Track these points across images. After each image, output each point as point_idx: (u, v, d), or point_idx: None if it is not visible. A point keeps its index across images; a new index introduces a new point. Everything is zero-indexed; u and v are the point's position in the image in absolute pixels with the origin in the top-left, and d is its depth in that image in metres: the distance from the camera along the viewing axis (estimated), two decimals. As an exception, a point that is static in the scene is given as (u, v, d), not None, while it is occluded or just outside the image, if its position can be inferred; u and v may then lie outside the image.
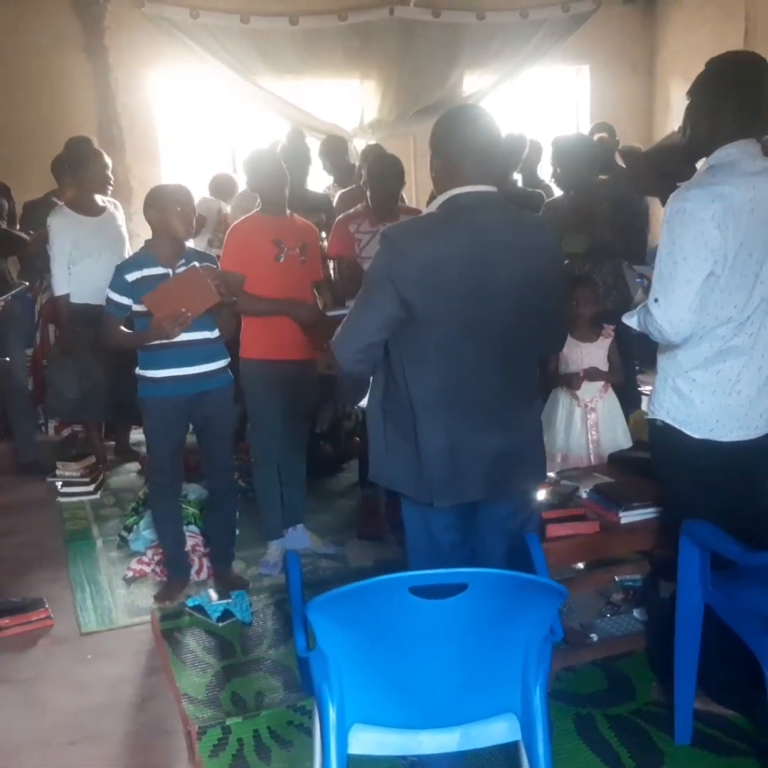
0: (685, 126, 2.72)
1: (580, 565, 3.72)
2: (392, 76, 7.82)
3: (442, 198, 2.51)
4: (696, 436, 2.68)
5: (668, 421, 2.73)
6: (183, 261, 3.64)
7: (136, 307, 3.61)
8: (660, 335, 2.61)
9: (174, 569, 3.99)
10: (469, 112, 2.60)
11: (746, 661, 2.53)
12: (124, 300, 3.61)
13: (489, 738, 2.21)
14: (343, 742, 2.12)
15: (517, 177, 5.48)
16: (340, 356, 2.59)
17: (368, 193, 4.38)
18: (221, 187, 6.96)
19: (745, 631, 2.54)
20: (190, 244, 3.93)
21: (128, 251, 5.17)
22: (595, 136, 5.99)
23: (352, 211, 4.56)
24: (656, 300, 2.58)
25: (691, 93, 2.68)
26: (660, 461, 2.89)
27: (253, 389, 4.06)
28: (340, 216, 4.51)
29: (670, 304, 2.55)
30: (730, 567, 2.65)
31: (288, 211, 4.02)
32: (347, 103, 8.00)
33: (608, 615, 3.32)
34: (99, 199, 5.22)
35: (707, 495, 2.71)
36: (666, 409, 2.74)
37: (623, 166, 5.39)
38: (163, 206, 3.58)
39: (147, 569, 4.16)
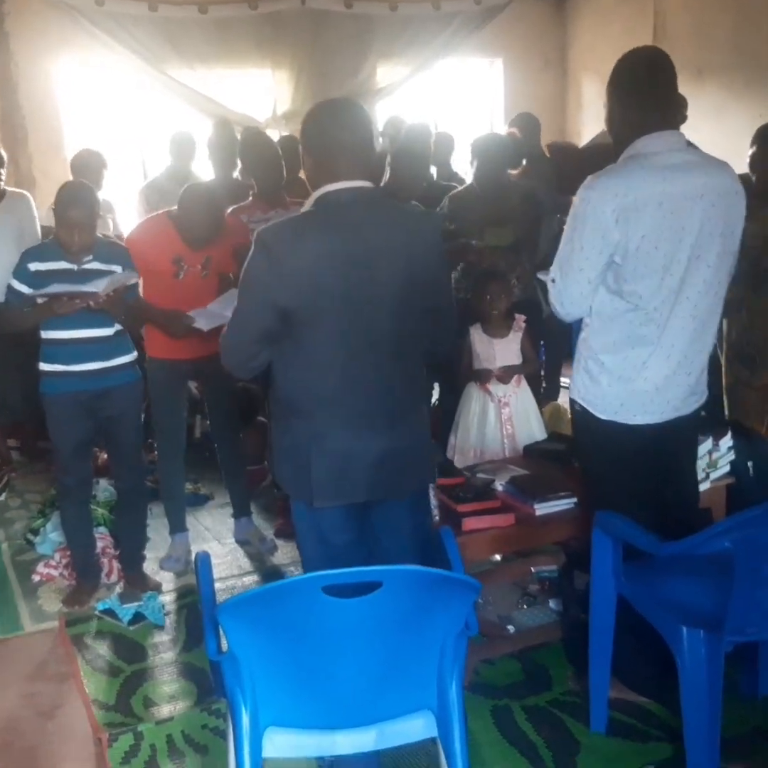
0: (607, 122, 2.74)
1: (497, 558, 3.73)
2: (305, 66, 7.75)
3: (315, 195, 2.43)
4: (602, 417, 2.74)
5: (580, 401, 2.79)
6: (91, 256, 3.53)
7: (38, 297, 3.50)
8: (555, 310, 2.73)
9: (83, 573, 3.88)
10: (339, 105, 2.50)
11: (659, 649, 2.56)
12: (24, 288, 3.50)
13: (405, 736, 2.19)
14: (256, 746, 2.08)
15: (432, 170, 5.47)
16: (226, 364, 2.54)
17: (253, 182, 4.35)
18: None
19: (657, 619, 2.57)
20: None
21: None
22: (506, 131, 6.02)
23: (242, 203, 4.46)
24: (554, 280, 2.68)
25: (608, 89, 2.71)
26: (579, 443, 2.94)
27: (154, 388, 4.01)
28: (230, 209, 4.39)
29: (565, 287, 2.67)
30: (644, 556, 2.68)
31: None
32: (260, 94, 7.91)
33: (525, 606, 3.34)
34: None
35: (624, 478, 2.76)
36: (578, 390, 2.80)
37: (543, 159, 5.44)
38: (58, 212, 3.48)
39: (55, 573, 4.04)
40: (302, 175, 4.28)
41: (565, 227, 2.65)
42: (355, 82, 7.72)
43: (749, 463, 3.36)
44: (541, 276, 2.94)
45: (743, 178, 3.65)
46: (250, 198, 4.41)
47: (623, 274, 2.59)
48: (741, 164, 4.37)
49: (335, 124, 2.39)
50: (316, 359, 2.40)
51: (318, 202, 2.41)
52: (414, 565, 2.17)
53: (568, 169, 5.28)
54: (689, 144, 2.72)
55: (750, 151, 4.43)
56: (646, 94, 2.62)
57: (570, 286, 2.65)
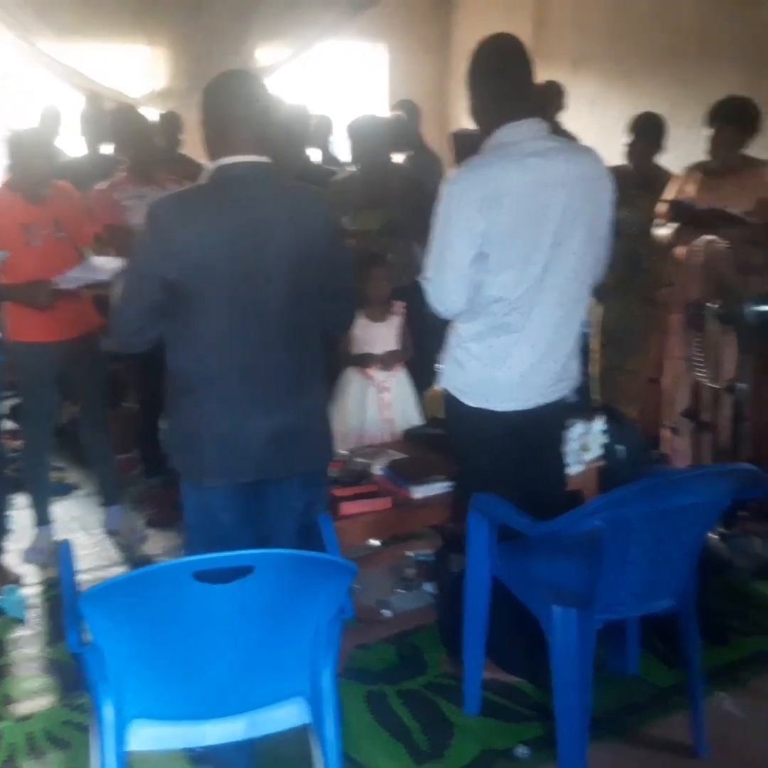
0: (470, 111, 2.75)
1: (376, 543, 3.71)
2: (183, 44, 7.55)
3: (210, 168, 2.40)
4: (470, 404, 2.76)
5: (450, 389, 2.80)
6: None
7: None
8: (434, 308, 2.72)
9: (-60, 565, 3.69)
10: (235, 78, 2.45)
11: (532, 630, 2.59)
12: None
13: (277, 723, 2.16)
14: (121, 740, 2.01)
15: (314, 152, 5.41)
16: (115, 336, 2.50)
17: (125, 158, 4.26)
18: None
19: (530, 599, 2.60)
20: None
21: None
22: (391, 113, 5.99)
23: (113, 179, 4.31)
24: (429, 278, 2.68)
25: (467, 79, 2.72)
26: (450, 431, 2.95)
27: (22, 374, 3.84)
28: (101, 186, 4.23)
29: (440, 284, 2.66)
30: (518, 538, 2.70)
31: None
32: (136, 71, 7.67)
33: (401, 591, 3.33)
34: None
35: (493, 463, 2.78)
36: (448, 377, 2.81)
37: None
38: None
39: None
40: (182, 151, 4.17)
41: (435, 225, 2.65)
42: (236, 61, 7.56)
43: (620, 447, 3.43)
44: None
45: (622, 167, 3.75)
46: (123, 174, 4.26)
47: (488, 264, 2.60)
48: (617, 153, 4.48)
49: (231, 97, 2.37)
50: (205, 336, 2.36)
51: (212, 176, 2.39)
52: (301, 547, 2.14)
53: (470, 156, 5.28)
54: (552, 131, 2.75)
55: (627, 141, 4.54)
56: (503, 82, 2.65)
57: (445, 283, 2.65)
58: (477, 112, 2.72)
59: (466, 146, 5.32)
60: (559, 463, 3.04)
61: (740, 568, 3.58)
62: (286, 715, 2.15)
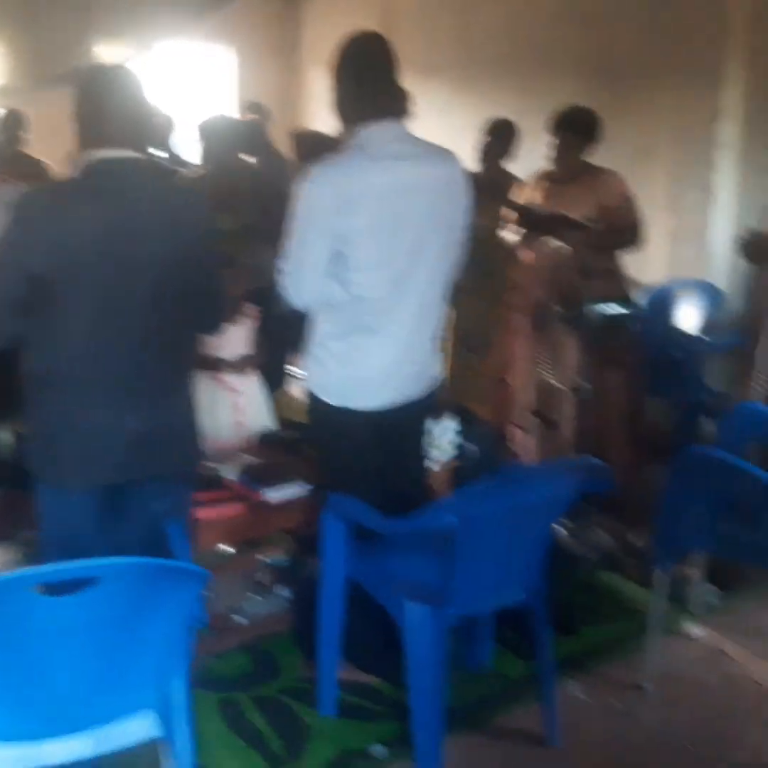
0: (334, 109, 2.73)
1: (230, 549, 3.65)
2: (21, 40, 7.28)
3: (81, 162, 2.33)
4: (332, 403, 2.75)
5: (312, 388, 2.79)
6: None
7: None
8: (290, 300, 2.71)
9: None
10: (114, 71, 2.42)
11: (387, 629, 2.60)
12: None
13: (127, 738, 2.07)
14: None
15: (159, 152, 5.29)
16: None
17: None
18: None
19: (385, 598, 2.61)
20: None
21: None
22: (246, 117, 5.93)
23: None
24: (283, 271, 2.66)
25: (330, 75, 2.70)
26: (312, 430, 2.93)
27: None
28: None
29: (296, 279, 2.65)
30: (373, 538, 2.70)
31: None
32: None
33: (256, 596, 3.29)
34: None
35: (354, 462, 2.78)
36: (310, 376, 2.80)
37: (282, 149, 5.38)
38: None
39: None
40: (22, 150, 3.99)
41: (291, 219, 2.63)
42: (76, 59, 7.33)
43: (472, 446, 3.48)
44: None
45: (473, 173, 3.81)
46: None
47: (347, 264, 2.59)
48: (465, 161, 4.56)
49: (107, 89, 2.32)
50: (70, 334, 2.29)
51: (85, 169, 2.31)
52: (160, 554, 2.09)
53: (312, 157, 5.25)
54: (411, 134, 2.77)
55: (482, 143, 4.63)
56: (367, 80, 2.64)
57: (302, 277, 2.64)
58: (341, 109, 2.70)
59: (307, 146, 5.33)
60: (420, 463, 3.07)
61: (586, 560, 3.70)
62: (136, 729, 2.07)
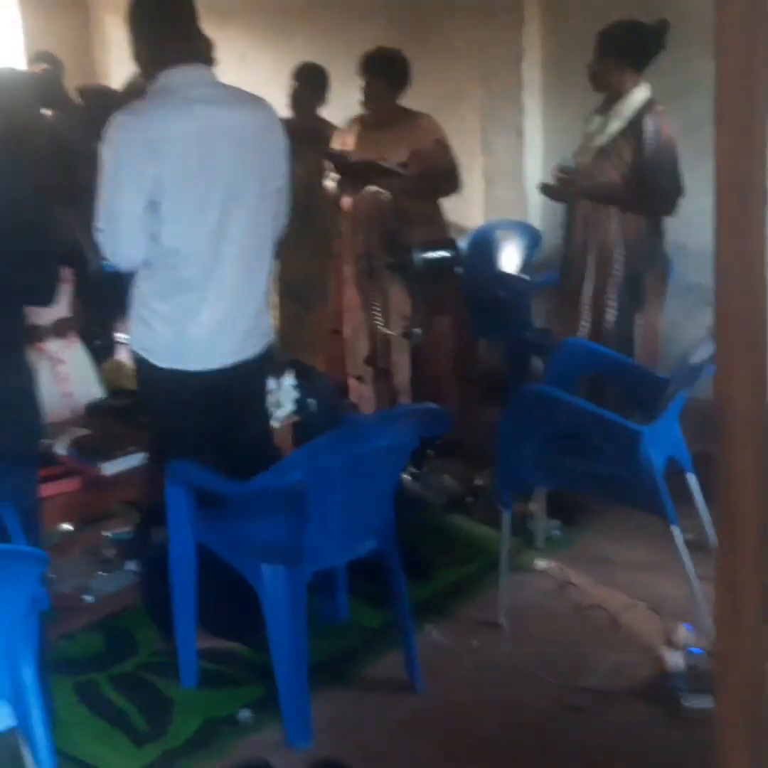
0: (134, 57, 2.64)
1: (67, 527, 3.51)
2: None
3: None
4: (162, 365, 2.66)
5: (140, 351, 2.69)
6: None
7: None
8: (110, 261, 2.62)
9: None
10: None
11: (241, 592, 2.58)
12: None
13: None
14: None
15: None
16: None
17: None
18: None
19: (238, 561, 2.58)
20: None
21: None
22: (37, 68, 5.57)
23: None
24: (100, 229, 2.55)
25: (127, 23, 2.61)
26: (143, 395, 2.85)
27: None
28: None
29: (113, 235, 2.54)
30: (220, 501, 2.66)
31: None
32: None
33: (102, 573, 3.19)
34: None
35: (192, 425, 2.70)
36: (136, 339, 2.71)
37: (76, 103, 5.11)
38: None
39: None
40: None
41: (101, 172, 2.52)
42: None
43: (311, 400, 3.46)
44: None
45: (286, 120, 3.74)
46: None
47: (161, 215, 2.50)
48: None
49: None
50: None
51: None
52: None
53: (103, 113, 5.02)
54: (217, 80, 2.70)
55: (290, 89, 4.54)
56: (165, 25, 2.57)
57: (118, 232, 2.53)
58: (139, 57, 2.62)
59: (96, 101, 5.09)
60: (263, 421, 3.02)
61: (433, 504, 3.77)
62: (-10, 720, 1.99)
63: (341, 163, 4.13)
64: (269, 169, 2.68)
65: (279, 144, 2.72)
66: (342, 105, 4.40)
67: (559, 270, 3.95)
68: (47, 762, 2.01)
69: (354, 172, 4.04)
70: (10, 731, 2.03)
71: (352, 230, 4.07)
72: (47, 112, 4.88)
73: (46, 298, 2.53)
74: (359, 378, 4.12)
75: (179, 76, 2.54)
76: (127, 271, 2.70)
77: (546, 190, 3.92)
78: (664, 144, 3.50)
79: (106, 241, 2.57)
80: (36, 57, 5.77)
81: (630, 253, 3.60)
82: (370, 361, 4.06)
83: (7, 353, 2.37)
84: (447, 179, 4.10)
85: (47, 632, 2.21)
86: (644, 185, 3.52)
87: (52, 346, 3.83)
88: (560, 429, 2.98)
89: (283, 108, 4.51)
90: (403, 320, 3.91)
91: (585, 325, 3.67)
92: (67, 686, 2.73)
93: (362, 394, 4.12)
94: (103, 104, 5.40)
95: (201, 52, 2.68)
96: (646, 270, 3.65)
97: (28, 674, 1.99)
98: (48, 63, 5.58)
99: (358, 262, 4.04)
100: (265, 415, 3.04)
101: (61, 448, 3.06)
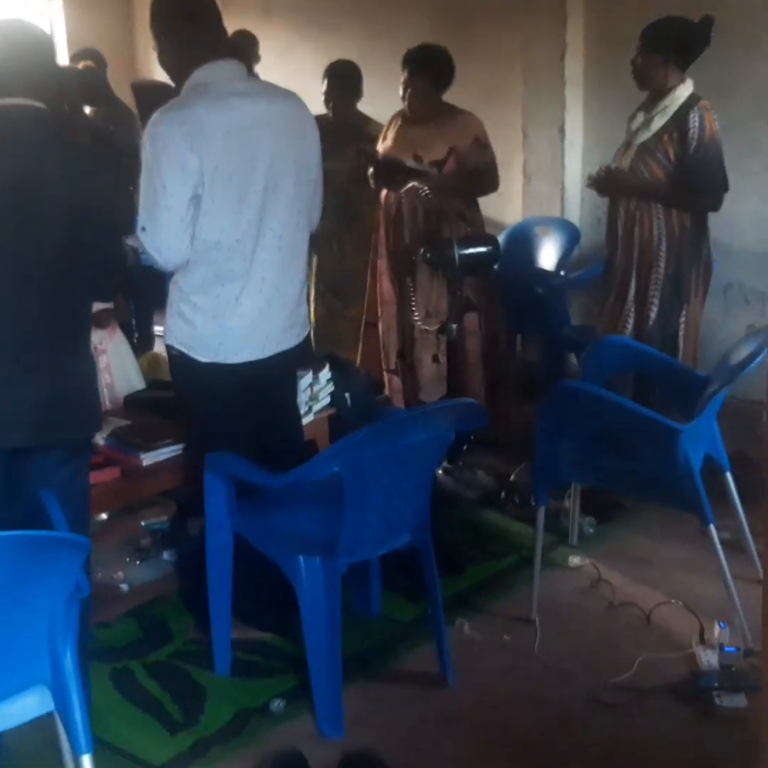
0: (161, 62, 2.67)
1: (103, 517, 3.55)
2: None
3: None
4: (203, 360, 2.67)
5: (178, 346, 2.70)
6: None
7: None
8: (155, 261, 2.59)
9: None
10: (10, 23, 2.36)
11: (276, 584, 2.60)
12: None
13: (18, 716, 2.02)
14: None
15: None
16: None
17: None
18: None
19: (275, 553, 2.60)
20: None
21: None
22: (80, 64, 5.63)
23: None
24: (144, 228, 2.54)
25: (152, 27, 2.64)
26: (180, 390, 2.86)
27: None
28: None
29: (157, 234, 2.54)
30: (258, 493, 2.67)
31: None
32: None
33: (138, 562, 3.22)
34: None
35: (229, 418, 2.72)
36: (175, 335, 2.71)
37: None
38: None
39: None
40: None
41: (143, 170, 2.53)
42: None
43: (347, 394, 3.47)
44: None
45: (321, 116, 3.75)
46: None
47: (203, 208, 2.52)
48: (313, 105, 4.48)
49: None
50: None
51: None
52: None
53: (155, 108, 5.06)
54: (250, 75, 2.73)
55: (323, 88, 4.54)
56: (193, 24, 2.59)
57: (162, 230, 2.53)
58: (168, 60, 2.64)
59: (148, 97, 5.12)
60: (295, 413, 3.04)
61: (467, 499, 3.77)
62: (28, 706, 2.02)
63: (369, 160, 4.12)
64: (305, 161, 2.70)
65: (312, 136, 2.75)
66: (386, 102, 4.39)
67: (599, 267, 3.92)
68: (85, 747, 2.01)
69: (380, 170, 4.04)
70: (48, 716, 2.04)
71: (387, 224, 4.08)
72: (89, 109, 4.94)
73: (110, 294, 2.60)
74: (393, 371, 4.13)
75: (213, 72, 2.56)
76: (171, 271, 2.69)
77: (593, 183, 3.86)
78: (709, 139, 3.46)
79: (150, 241, 2.55)
80: (80, 54, 5.81)
81: (674, 251, 3.56)
82: (402, 354, 4.07)
83: (78, 348, 2.43)
84: (483, 179, 4.04)
85: (87, 620, 2.23)
86: (689, 181, 3.49)
87: (95, 336, 3.86)
88: (598, 426, 2.96)
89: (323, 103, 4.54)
90: (440, 315, 3.90)
91: (629, 322, 3.65)
92: (102, 673, 2.77)
93: (395, 387, 4.12)
94: (156, 99, 5.44)
95: (229, 48, 2.69)
96: (691, 268, 3.61)
97: (69, 660, 2.01)
98: (92, 59, 5.63)
99: (396, 257, 4.04)
100: (296, 409, 3.06)
101: (100, 438, 3.08)
